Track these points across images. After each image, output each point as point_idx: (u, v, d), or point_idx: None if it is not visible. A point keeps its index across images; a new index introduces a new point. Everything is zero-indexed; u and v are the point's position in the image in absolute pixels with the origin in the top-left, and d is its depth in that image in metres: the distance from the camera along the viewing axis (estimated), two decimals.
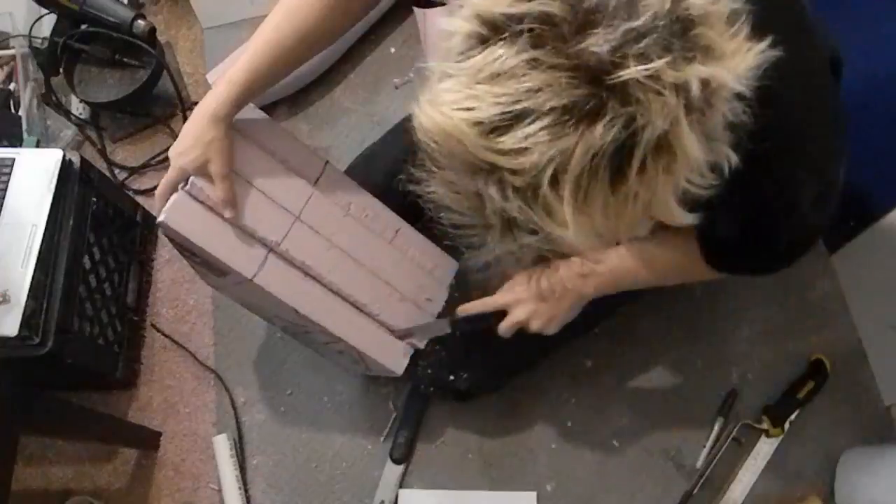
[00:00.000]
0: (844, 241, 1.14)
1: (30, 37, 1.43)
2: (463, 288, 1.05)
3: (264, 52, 0.83)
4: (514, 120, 0.41)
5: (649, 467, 1.10)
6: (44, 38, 1.42)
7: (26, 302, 0.98)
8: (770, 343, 1.15)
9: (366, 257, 0.93)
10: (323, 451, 1.16)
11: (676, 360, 1.15)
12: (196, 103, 1.50)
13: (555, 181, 0.43)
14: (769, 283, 1.18)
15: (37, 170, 1.07)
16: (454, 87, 0.43)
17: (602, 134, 0.41)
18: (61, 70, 1.41)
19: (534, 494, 1.09)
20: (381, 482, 1.12)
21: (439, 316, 0.98)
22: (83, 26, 1.40)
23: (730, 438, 1.09)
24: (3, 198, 1.05)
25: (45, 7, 1.39)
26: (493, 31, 0.43)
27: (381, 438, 1.15)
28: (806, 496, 1.06)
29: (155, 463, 1.20)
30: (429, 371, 1.05)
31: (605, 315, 1.08)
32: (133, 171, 1.43)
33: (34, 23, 1.44)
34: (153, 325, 1.29)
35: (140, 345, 1.28)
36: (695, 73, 0.42)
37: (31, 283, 0.99)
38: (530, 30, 0.41)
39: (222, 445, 1.16)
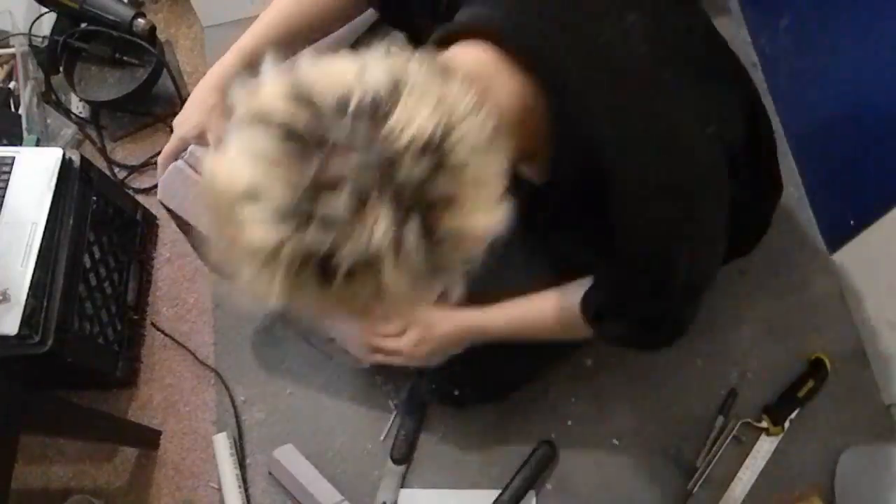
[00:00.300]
0: (844, 241, 1.14)
1: (30, 35, 1.43)
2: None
3: (274, 23, 0.87)
4: (251, 197, 0.47)
5: (649, 466, 1.10)
6: (44, 37, 1.42)
7: (26, 301, 0.98)
8: (770, 342, 1.15)
9: None
10: (323, 450, 1.16)
11: (676, 359, 1.15)
12: None
13: (271, 260, 0.47)
14: (769, 283, 1.18)
15: (37, 168, 1.07)
16: (231, 144, 0.49)
17: (308, 242, 0.46)
18: (61, 69, 1.41)
19: (533, 494, 1.09)
20: (381, 483, 1.12)
21: None
22: (83, 25, 1.40)
23: (730, 437, 1.09)
24: (4, 196, 1.05)
25: (45, 6, 1.39)
26: (259, 119, 0.48)
27: (382, 438, 1.15)
28: (806, 495, 1.06)
29: (155, 462, 1.20)
30: (433, 386, 1.07)
31: None
32: (133, 169, 1.43)
33: (34, 21, 1.43)
34: (153, 324, 1.29)
35: (140, 343, 1.28)
36: (385, 220, 0.46)
37: (31, 281, 0.99)
38: (281, 132, 0.47)
39: (222, 444, 1.16)
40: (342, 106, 0.47)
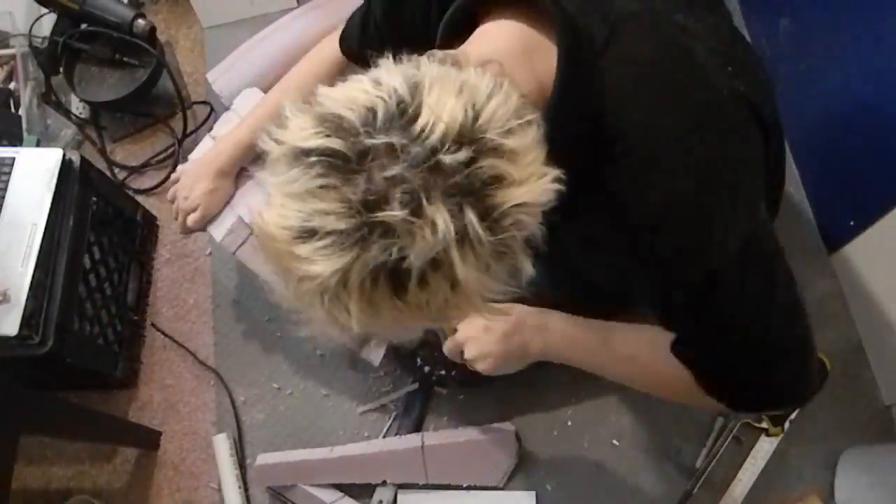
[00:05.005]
0: (844, 241, 1.14)
1: (30, 36, 1.43)
2: None
3: (268, 117, 0.87)
4: (307, 234, 0.48)
5: (649, 467, 1.10)
6: (44, 38, 1.42)
7: (26, 301, 0.98)
8: None
9: None
10: None
11: None
12: (196, 103, 1.50)
13: (341, 288, 0.49)
14: None
15: (37, 169, 1.07)
16: (273, 194, 0.50)
17: (374, 257, 0.47)
18: (61, 69, 1.41)
19: (533, 494, 1.09)
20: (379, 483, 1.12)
21: None
22: (83, 26, 1.40)
23: (730, 438, 1.09)
24: (4, 197, 1.05)
25: (46, 6, 1.40)
26: (295, 157, 0.49)
27: (381, 438, 1.15)
28: (806, 496, 1.06)
29: (155, 462, 1.20)
30: (426, 369, 1.06)
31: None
32: (133, 170, 1.43)
33: (34, 22, 1.44)
34: (153, 325, 1.29)
35: (140, 344, 1.28)
36: (442, 214, 0.46)
37: (31, 282, 0.99)
38: (320, 161, 0.48)
39: (222, 444, 1.16)
40: (370, 119, 0.48)
